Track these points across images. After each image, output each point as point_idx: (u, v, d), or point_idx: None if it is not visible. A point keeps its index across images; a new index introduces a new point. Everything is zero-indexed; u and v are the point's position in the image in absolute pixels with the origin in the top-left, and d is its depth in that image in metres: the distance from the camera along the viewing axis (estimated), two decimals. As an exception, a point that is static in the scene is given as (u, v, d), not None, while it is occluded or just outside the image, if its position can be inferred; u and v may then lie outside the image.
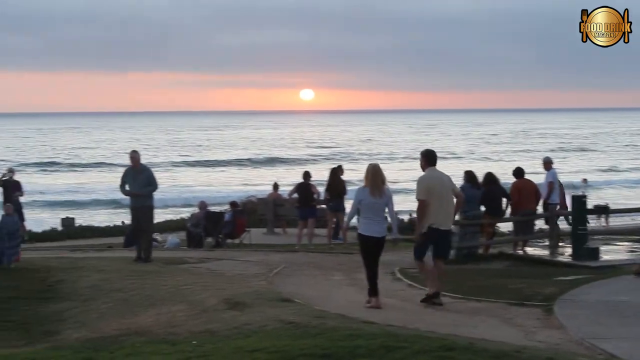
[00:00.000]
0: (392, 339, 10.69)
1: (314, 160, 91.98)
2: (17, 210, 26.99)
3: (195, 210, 28.11)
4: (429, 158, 14.83)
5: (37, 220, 40.62)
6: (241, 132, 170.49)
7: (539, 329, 12.77)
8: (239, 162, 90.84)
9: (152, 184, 20.92)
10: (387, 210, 14.67)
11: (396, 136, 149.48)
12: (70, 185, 68.77)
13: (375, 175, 14.53)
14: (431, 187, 14.46)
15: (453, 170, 23.62)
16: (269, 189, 32.97)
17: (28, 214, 33.86)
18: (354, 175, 44.17)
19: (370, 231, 14.53)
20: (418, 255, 14.86)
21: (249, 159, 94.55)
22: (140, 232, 21.21)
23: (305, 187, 25.93)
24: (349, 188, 25.89)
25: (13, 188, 27.79)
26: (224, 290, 15.90)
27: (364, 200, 14.47)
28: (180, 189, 60.81)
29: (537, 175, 27.78)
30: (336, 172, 25.62)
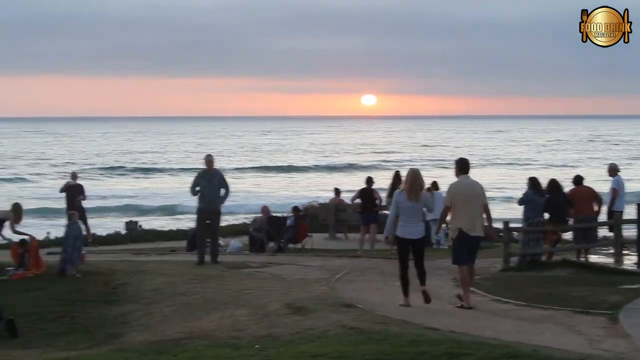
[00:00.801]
0: (456, 346, 10.65)
1: (376, 165, 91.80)
2: (80, 214, 27.34)
3: (258, 215, 28.21)
4: (461, 166, 15.58)
5: (101, 223, 41.13)
6: (302, 138, 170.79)
7: (604, 337, 12.61)
8: (301, 168, 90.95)
9: (226, 188, 21.51)
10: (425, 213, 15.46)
11: (458, 141, 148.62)
12: (135, 189, 69.43)
13: (413, 181, 15.24)
14: (459, 193, 15.24)
15: (518, 177, 23.40)
16: (330, 194, 32.97)
17: (92, 217, 34.29)
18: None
19: (406, 233, 15.28)
20: (455, 260, 15.54)
21: (312, 165, 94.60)
22: (206, 235, 21.53)
23: (367, 193, 25.93)
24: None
25: (76, 192, 28.11)
26: (286, 295, 15.96)
27: (401, 203, 15.22)
28: (243, 194, 61.03)
29: (604, 183, 27.48)
30: (398, 176, 25.55)
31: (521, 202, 22.05)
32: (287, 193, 64.39)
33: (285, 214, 28.81)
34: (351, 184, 53.34)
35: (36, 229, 32.07)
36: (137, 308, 16.12)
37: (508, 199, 51.57)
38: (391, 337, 11.51)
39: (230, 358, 11.21)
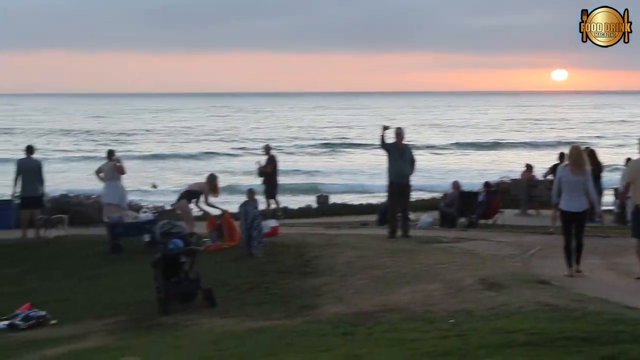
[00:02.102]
0: (657, 326, 10.32)
1: (567, 142, 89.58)
2: (272, 188, 27.79)
3: (449, 190, 28.06)
4: None
5: (291, 198, 41.73)
6: (492, 112, 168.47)
7: None
8: (491, 144, 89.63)
9: (413, 162, 21.54)
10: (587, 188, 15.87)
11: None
12: (325, 165, 70.12)
13: (577, 157, 15.86)
14: (637, 170, 15.74)
15: None
16: (522, 169, 32.41)
17: (286, 192, 34.82)
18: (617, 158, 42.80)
19: (568, 206, 15.93)
20: (635, 234, 15.88)
21: (501, 140, 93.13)
22: (397, 209, 21.58)
23: (560, 169, 25.39)
24: (609, 172, 25.11)
25: (269, 165, 28.35)
26: (478, 271, 15.82)
27: (564, 177, 15.86)
28: (432, 170, 60.74)
29: None
30: (593, 153, 24.91)
31: None
32: (478, 168, 63.66)
33: (476, 190, 28.53)
34: (544, 160, 52.23)
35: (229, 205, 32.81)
36: (330, 280, 16.31)
37: None
38: (590, 315, 11.24)
39: (424, 332, 11.19)
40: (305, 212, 31.55)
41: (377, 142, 22.40)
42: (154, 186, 56.28)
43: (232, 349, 11.67)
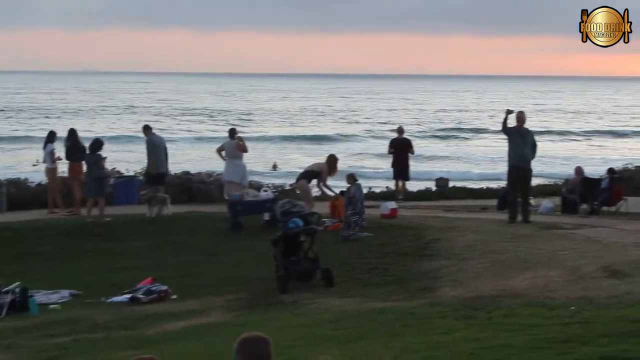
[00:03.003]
0: None
1: None
2: (404, 169, 27.65)
3: (571, 175, 27.58)
4: None
5: (412, 181, 41.50)
6: (622, 98, 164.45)
7: None
8: (618, 131, 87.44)
9: (534, 147, 21.19)
10: None
11: None
12: (444, 149, 69.65)
13: None
14: None
15: None
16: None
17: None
18: None
19: None
20: None
21: (627, 128, 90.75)
22: (517, 193, 21.28)
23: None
24: None
25: (404, 147, 28.15)
26: (601, 258, 15.51)
27: None
28: (554, 156, 59.76)
29: None
30: None
31: None
32: (602, 155, 62.38)
33: (600, 176, 27.97)
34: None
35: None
36: (450, 264, 16.21)
37: None
38: None
39: (545, 318, 11.05)
40: (424, 195, 31.36)
41: (500, 126, 22.09)
42: (275, 167, 56.99)
43: (351, 328, 11.72)
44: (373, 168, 55.02)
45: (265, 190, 24.32)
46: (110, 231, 22.12)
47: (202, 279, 17.37)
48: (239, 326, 12.55)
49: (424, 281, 15.05)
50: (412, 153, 28.38)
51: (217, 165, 28.81)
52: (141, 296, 15.98)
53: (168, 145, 26.09)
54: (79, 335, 13.32)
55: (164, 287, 16.29)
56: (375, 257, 17.54)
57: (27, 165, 53.30)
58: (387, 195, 28.82)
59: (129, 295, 16.25)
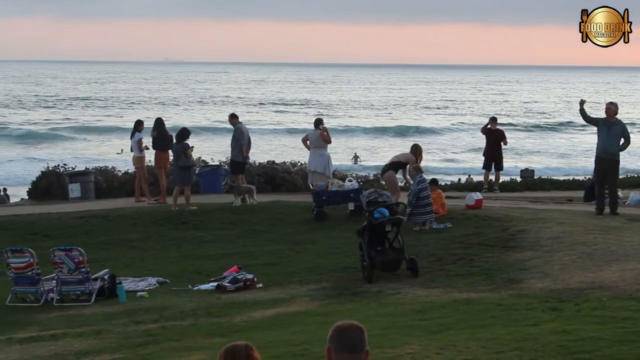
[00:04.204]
0: None
1: None
2: (498, 159, 27.29)
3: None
4: None
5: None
6: None
7: None
8: None
9: (626, 139, 20.74)
10: None
11: None
12: (530, 143, 68.86)
13: None
14: None
15: None
16: None
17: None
18: None
19: None
20: None
21: None
22: (604, 185, 20.94)
23: None
24: None
25: (497, 137, 27.72)
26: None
27: None
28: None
29: None
30: None
31: None
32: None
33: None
34: None
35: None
36: (536, 255, 16.04)
37: None
38: None
39: (635, 311, 10.90)
40: (509, 186, 31.09)
41: (580, 118, 21.72)
42: (356, 157, 57.04)
43: (437, 319, 11.69)
44: (460, 161, 54.86)
45: (350, 181, 24.30)
46: (196, 220, 22.34)
47: (287, 268, 17.46)
48: (325, 315, 12.61)
49: (510, 273, 14.92)
50: (505, 144, 27.97)
51: (301, 155, 28.93)
52: (227, 284, 16.12)
53: (253, 135, 26.26)
54: (167, 322, 13.50)
55: (250, 276, 16.41)
56: (460, 248, 17.45)
57: (112, 154, 54.33)
58: (472, 187, 28.63)
59: (215, 283, 16.42)
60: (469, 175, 32.69)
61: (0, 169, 51.70)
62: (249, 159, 25.38)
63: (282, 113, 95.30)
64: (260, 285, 16.21)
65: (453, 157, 58.07)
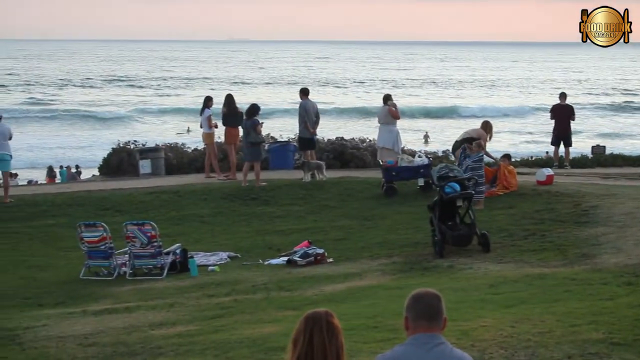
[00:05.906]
0: None
1: None
2: (567, 135, 26.97)
3: None
4: None
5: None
6: None
7: None
8: None
9: None
10: None
11: None
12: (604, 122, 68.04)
13: None
14: None
15: None
16: None
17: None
18: None
19: None
20: None
21: None
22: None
23: None
24: None
25: (566, 113, 27.29)
26: None
27: None
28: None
29: None
30: None
31: None
32: None
33: None
34: None
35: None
36: (609, 231, 15.86)
37: None
38: None
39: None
40: (580, 162, 30.68)
41: None
42: (427, 137, 56.85)
43: (510, 293, 11.63)
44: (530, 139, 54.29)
45: (420, 157, 24.19)
46: (266, 195, 22.41)
47: (357, 243, 17.48)
48: (397, 289, 12.60)
49: (584, 248, 14.78)
50: (573, 120, 27.57)
51: (370, 132, 28.85)
52: (298, 259, 16.19)
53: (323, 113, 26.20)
54: (239, 296, 13.60)
55: (320, 250, 16.46)
56: (532, 224, 17.30)
57: (172, 133, 54.79)
58: (542, 163, 28.31)
59: (286, 258, 16.50)
60: (547, 152, 32.27)
61: (71, 152, 52.33)
62: (316, 135, 25.34)
63: (353, 92, 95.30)
64: (330, 260, 16.25)
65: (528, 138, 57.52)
